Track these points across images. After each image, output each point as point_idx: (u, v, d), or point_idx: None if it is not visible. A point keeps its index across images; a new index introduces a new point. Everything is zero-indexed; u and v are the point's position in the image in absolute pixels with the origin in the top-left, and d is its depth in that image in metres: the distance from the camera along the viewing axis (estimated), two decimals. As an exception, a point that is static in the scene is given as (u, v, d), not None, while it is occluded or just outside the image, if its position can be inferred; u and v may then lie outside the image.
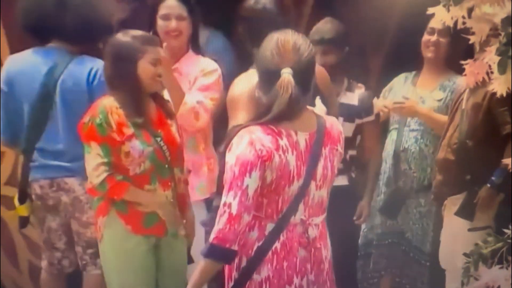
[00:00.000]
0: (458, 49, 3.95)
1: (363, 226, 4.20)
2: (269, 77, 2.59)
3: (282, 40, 2.61)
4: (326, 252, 2.74)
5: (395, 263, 4.18)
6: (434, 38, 4.03)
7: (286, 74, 2.56)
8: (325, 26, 3.95)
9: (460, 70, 3.82)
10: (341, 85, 3.99)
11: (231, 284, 2.65)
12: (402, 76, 4.22)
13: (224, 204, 2.55)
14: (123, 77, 3.20)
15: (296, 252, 2.64)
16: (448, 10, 3.21)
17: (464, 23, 3.05)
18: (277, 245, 2.62)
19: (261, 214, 2.61)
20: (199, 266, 2.60)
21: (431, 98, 4.08)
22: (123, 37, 3.23)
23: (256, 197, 2.56)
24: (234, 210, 2.53)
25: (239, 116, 3.05)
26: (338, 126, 2.76)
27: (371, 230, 4.21)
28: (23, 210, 3.76)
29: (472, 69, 3.13)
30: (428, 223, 4.09)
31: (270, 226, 2.62)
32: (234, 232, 2.53)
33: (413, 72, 4.19)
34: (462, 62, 3.13)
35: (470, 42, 3.03)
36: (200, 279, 2.60)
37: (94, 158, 3.18)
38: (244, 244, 2.61)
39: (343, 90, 4.00)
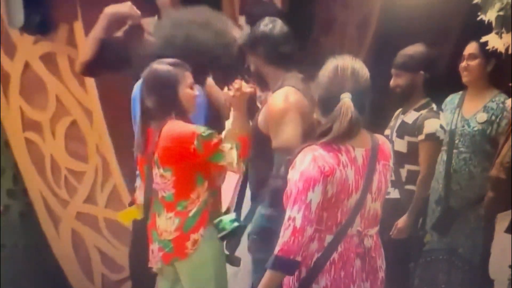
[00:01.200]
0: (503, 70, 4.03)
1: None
2: (328, 101, 2.69)
3: (342, 66, 2.70)
4: (381, 262, 2.80)
5: (445, 277, 4.22)
6: (464, 64, 4.18)
7: (346, 99, 2.65)
8: (404, 51, 4.09)
9: (505, 89, 3.91)
10: (414, 104, 4.08)
11: (291, 293, 2.72)
12: (450, 97, 4.33)
13: (289, 218, 2.61)
14: (168, 103, 3.32)
15: (353, 262, 2.70)
16: (501, 37, 3.30)
17: (515, 48, 3.14)
18: (335, 255, 2.68)
19: (322, 226, 2.68)
20: (264, 278, 2.65)
21: (475, 121, 4.17)
22: (160, 65, 3.35)
23: (318, 211, 2.62)
24: (298, 223, 2.59)
25: (286, 130, 3.15)
26: (388, 144, 2.86)
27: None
28: (135, 213, 3.86)
29: (521, 90, 3.17)
30: (479, 237, 4.13)
31: (329, 238, 2.69)
32: (298, 244, 2.59)
33: (460, 93, 4.30)
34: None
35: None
36: None
37: (230, 153, 3.32)
38: (304, 255, 2.66)
39: (411, 109, 4.09)
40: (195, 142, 3.26)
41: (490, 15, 3.43)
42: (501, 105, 4.09)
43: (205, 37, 3.62)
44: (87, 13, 4.16)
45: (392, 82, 4.06)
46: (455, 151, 4.16)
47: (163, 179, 3.35)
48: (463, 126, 4.16)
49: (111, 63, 4.02)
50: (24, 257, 5.24)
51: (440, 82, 4.18)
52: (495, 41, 3.40)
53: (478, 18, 3.49)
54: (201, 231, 3.33)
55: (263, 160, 3.28)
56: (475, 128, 4.14)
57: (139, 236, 4.12)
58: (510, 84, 3.37)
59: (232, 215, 3.36)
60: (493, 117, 4.10)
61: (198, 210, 3.34)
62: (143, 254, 4.05)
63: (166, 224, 3.38)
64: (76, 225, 4.99)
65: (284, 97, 3.22)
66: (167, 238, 3.37)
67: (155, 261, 3.45)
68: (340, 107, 2.64)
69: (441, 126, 4.01)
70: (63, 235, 5.03)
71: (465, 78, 4.19)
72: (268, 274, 2.64)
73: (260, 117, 3.31)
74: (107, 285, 4.98)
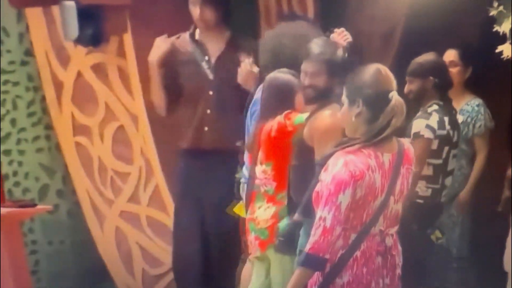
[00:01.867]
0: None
1: None
2: (377, 100, 2.76)
3: (382, 68, 2.82)
4: (399, 259, 2.92)
5: (442, 265, 4.43)
6: None
7: (397, 96, 2.76)
8: (415, 60, 4.29)
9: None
10: (419, 110, 4.27)
11: (315, 287, 2.82)
12: None
13: (320, 218, 2.72)
14: (284, 108, 3.54)
15: (375, 259, 2.82)
16: (514, 46, 3.47)
17: (526, 56, 3.31)
18: (358, 253, 2.80)
19: (348, 225, 2.79)
20: (295, 274, 2.77)
21: None
22: (283, 74, 3.60)
23: (346, 211, 2.73)
24: (328, 223, 2.70)
25: (331, 145, 3.26)
26: (412, 149, 2.96)
27: None
28: (241, 210, 4.02)
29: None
30: (463, 230, 4.34)
31: (353, 236, 2.80)
32: (327, 243, 2.71)
33: None
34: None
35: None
36: (297, 286, 2.77)
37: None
38: (330, 252, 2.77)
39: (417, 114, 4.28)
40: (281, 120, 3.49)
41: (504, 27, 3.59)
42: (476, 108, 4.31)
43: (295, 46, 3.75)
44: (136, 26, 4.27)
45: (406, 89, 4.24)
46: None
47: (265, 174, 3.56)
48: None
49: (179, 96, 4.34)
50: (70, 253, 5.32)
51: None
52: (509, 51, 3.56)
53: (494, 30, 3.66)
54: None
55: (306, 169, 3.37)
56: None
57: (181, 236, 4.38)
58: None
59: (286, 220, 3.48)
60: (469, 119, 4.31)
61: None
62: (185, 252, 4.32)
63: (264, 213, 3.56)
64: (120, 223, 5.11)
65: (332, 115, 3.31)
66: (264, 227, 3.55)
67: (253, 250, 3.62)
68: (395, 104, 2.74)
69: (427, 126, 4.10)
70: (107, 232, 5.16)
71: None
72: (298, 271, 2.76)
73: (306, 130, 3.42)
74: (146, 280, 5.09)
